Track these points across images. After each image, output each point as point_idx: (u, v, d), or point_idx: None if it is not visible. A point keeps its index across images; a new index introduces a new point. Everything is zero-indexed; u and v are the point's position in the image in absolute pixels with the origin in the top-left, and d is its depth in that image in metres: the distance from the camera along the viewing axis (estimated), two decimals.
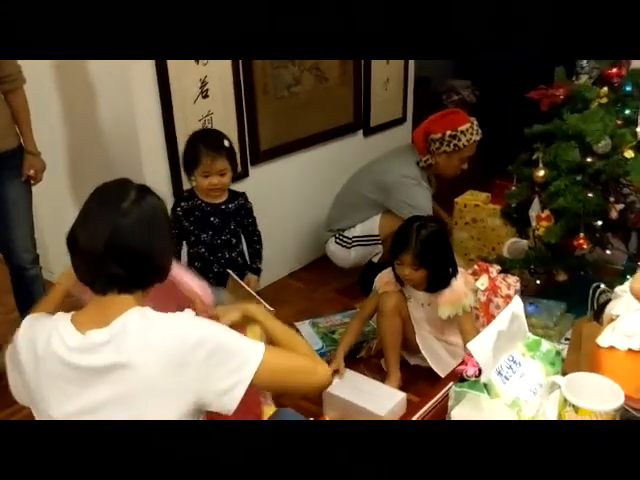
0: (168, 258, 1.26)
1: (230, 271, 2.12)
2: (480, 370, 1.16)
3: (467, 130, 2.69)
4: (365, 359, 2.52)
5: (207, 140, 2.18)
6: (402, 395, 2.12)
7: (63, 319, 1.19)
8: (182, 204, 2.28)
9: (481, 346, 1.07)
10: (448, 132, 2.67)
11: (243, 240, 2.40)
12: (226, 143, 2.17)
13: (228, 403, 1.14)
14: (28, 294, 2.52)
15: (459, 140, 2.67)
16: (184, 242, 2.34)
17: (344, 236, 2.91)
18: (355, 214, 2.88)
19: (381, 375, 2.37)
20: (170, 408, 1.12)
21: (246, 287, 1.88)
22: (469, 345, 1.09)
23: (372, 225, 2.83)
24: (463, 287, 2.19)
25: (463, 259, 2.99)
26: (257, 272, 2.42)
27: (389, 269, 2.28)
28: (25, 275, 2.46)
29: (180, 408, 1.13)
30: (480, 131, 2.75)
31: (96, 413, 1.13)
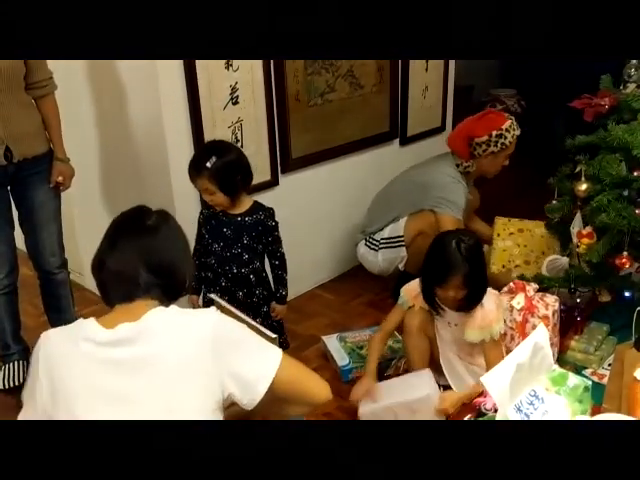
0: (191, 272, 1.40)
1: (213, 295, 2.00)
2: None
3: (510, 127, 2.71)
4: (393, 377, 2.41)
5: (194, 157, 2.14)
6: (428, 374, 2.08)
7: (87, 322, 1.25)
8: (204, 211, 2.23)
9: (497, 380, 0.97)
10: (494, 132, 2.67)
11: (266, 258, 2.28)
12: (208, 164, 2.04)
13: (252, 395, 1.21)
14: (56, 298, 2.53)
15: (505, 138, 2.69)
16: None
17: (373, 239, 2.89)
18: (388, 215, 2.85)
19: None
20: (199, 398, 1.18)
21: (234, 311, 1.73)
22: (483, 379, 0.99)
23: (398, 227, 2.80)
24: (495, 311, 2.05)
25: (508, 266, 2.84)
26: (281, 301, 2.27)
27: (417, 281, 2.17)
28: (52, 280, 2.47)
29: (208, 398, 1.19)
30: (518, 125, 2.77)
31: (130, 405, 1.17)
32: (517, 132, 2.72)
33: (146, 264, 1.24)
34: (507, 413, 1.00)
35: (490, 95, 4.83)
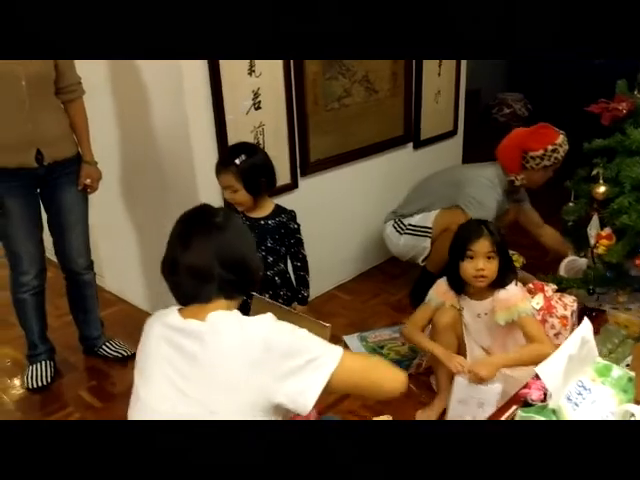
0: (261, 266, 1.43)
1: (254, 293, 2.07)
2: (545, 394, 1.11)
3: (563, 142, 2.74)
4: (414, 376, 2.46)
5: (223, 154, 2.21)
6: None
7: (172, 308, 1.33)
8: None
9: (551, 370, 1.02)
10: (549, 147, 2.70)
11: (289, 260, 2.32)
12: (237, 160, 2.11)
13: (303, 404, 1.19)
14: (82, 299, 2.57)
15: (558, 153, 2.72)
16: None
17: (402, 222, 2.94)
18: (420, 202, 2.91)
19: (430, 393, 2.32)
20: (241, 402, 1.19)
21: (275, 303, 1.77)
22: (538, 369, 1.04)
23: (428, 218, 2.84)
24: (519, 293, 2.09)
25: None
26: (303, 301, 2.32)
27: (445, 279, 2.20)
28: (79, 280, 2.51)
29: (252, 404, 1.19)
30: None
31: (182, 392, 1.21)
32: (567, 147, 2.74)
33: (220, 261, 1.27)
34: (560, 402, 1.05)
35: (497, 99, 4.90)
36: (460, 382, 2.01)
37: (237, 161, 2.10)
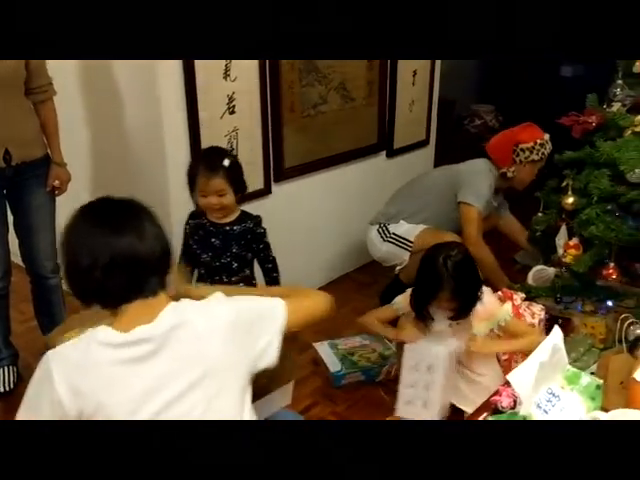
0: None
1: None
2: (515, 402, 1.12)
3: (548, 140, 2.86)
4: (384, 383, 2.47)
5: (206, 159, 2.12)
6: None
7: (99, 329, 1.18)
8: (190, 222, 2.23)
9: (522, 378, 1.03)
10: (538, 141, 2.81)
11: (258, 264, 2.30)
12: (225, 162, 2.06)
13: (270, 356, 1.29)
14: (48, 303, 2.52)
15: (545, 148, 2.84)
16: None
17: (387, 229, 2.92)
18: (410, 202, 2.92)
19: None
20: (232, 382, 1.22)
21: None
22: (509, 376, 1.05)
23: (413, 231, 2.84)
24: (495, 302, 2.12)
25: None
26: None
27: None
28: (45, 284, 2.46)
29: (245, 375, 1.25)
30: None
31: (171, 401, 1.17)
32: (551, 147, 2.83)
33: (162, 250, 1.21)
34: (530, 409, 1.06)
35: (470, 110, 4.96)
36: (408, 348, 2.09)
37: (225, 163, 2.05)
